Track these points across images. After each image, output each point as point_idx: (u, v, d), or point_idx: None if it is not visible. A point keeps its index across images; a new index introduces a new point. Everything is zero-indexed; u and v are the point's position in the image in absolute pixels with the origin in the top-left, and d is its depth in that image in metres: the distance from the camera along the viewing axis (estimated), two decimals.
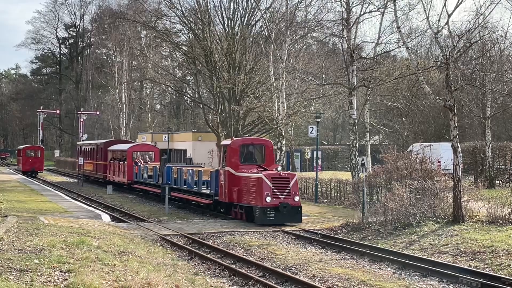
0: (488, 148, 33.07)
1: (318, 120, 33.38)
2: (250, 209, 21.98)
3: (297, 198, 21.44)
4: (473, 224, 18.72)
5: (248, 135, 35.68)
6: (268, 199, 20.99)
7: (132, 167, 37.77)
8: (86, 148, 51.83)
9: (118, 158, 41.44)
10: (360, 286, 12.84)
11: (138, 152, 40.29)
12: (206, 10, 42.52)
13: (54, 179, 56.06)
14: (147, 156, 40.03)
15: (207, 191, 26.08)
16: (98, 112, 75.58)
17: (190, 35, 47.12)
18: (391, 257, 15.52)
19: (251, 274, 13.94)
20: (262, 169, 22.49)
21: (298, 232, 20.09)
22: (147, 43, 61.85)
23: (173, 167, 30.73)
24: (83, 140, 53.68)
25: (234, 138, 24.95)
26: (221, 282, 13.45)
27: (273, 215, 21.01)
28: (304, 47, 44.72)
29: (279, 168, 22.67)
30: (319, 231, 20.24)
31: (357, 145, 30.21)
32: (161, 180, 30.95)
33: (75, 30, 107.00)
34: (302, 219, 21.71)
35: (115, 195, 36.65)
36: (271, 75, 35.71)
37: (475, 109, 37.58)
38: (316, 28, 39.02)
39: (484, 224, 18.64)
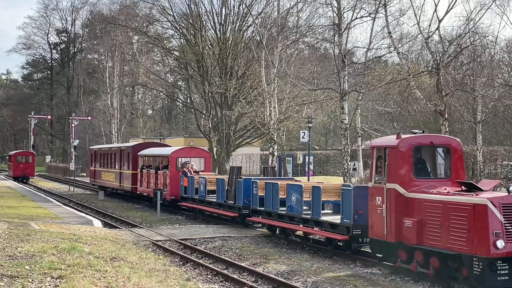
0: (479, 152, 33.24)
1: (310, 125, 33.48)
2: (450, 259, 12.88)
3: None
4: None
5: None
6: (500, 243, 11.89)
7: (178, 178, 28.91)
8: (104, 153, 41.94)
9: (153, 166, 32.64)
10: None
11: (183, 158, 30.37)
12: (198, 16, 42.56)
13: (45, 185, 55.83)
14: (193, 163, 30.25)
15: (335, 220, 17.33)
16: (89, 118, 75.28)
17: (182, 40, 47.15)
18: (383, 262, 15.53)
19: (243, 280, 13.93)
20: (465, 188, 13.55)
21: (290, 237, 20.09)
22: (139, 48, 61.78)
23: (257, 181, 21.92)
24: (74, 145, 51.98)
25: (402, 136, 14.74)
26: (213, 287, 13.44)
27: (507, 272, 12.01)
28: (296, 52, 44.79)
29: None
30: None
31: (349, 150, 30.26)
32: (234, 199, 22.97)
33: (66, 35, 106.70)
34: None
35: (106, 201, 36.54)
36: (263, 80, 35.75)
37: (466, 114, 37.75)
38: (307, 34, 39.15)
39: None
